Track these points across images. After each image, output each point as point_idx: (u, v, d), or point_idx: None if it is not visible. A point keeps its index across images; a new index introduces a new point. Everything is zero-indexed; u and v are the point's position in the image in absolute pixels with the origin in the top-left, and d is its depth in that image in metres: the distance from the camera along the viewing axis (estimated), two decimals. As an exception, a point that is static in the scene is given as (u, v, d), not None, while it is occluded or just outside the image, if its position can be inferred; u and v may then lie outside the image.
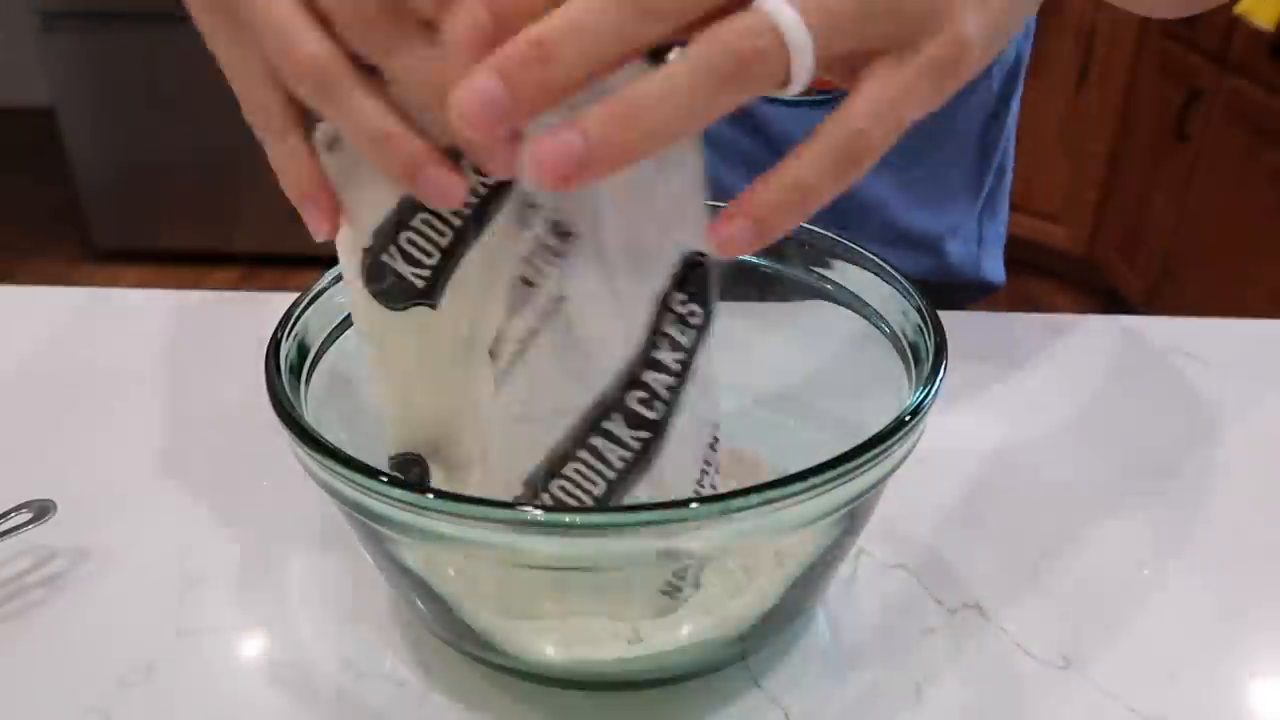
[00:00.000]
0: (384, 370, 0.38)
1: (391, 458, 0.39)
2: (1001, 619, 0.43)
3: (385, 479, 0.32)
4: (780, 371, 0.49)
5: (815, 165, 0.27)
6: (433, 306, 0.35)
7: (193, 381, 0.58)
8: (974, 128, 0.71)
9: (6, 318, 0.66)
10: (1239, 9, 1.70)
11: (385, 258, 0.35)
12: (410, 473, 0.39)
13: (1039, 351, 0.63)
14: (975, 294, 0.76)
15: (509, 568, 0.36)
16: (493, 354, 0.34)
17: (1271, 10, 1.65)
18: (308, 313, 0.41)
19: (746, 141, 0.66)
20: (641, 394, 0.32)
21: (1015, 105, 0.73)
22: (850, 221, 0.68)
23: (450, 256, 0.35)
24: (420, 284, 0.35)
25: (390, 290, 0.35)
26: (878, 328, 0.43)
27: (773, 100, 0.64)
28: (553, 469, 0.33)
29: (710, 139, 0.66)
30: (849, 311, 0.45)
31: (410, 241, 0.34)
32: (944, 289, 0.74)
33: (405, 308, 0.35)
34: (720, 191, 0.63)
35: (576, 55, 0.25)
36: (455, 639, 0.39)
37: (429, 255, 0.35)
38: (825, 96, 0.65)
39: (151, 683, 0.40)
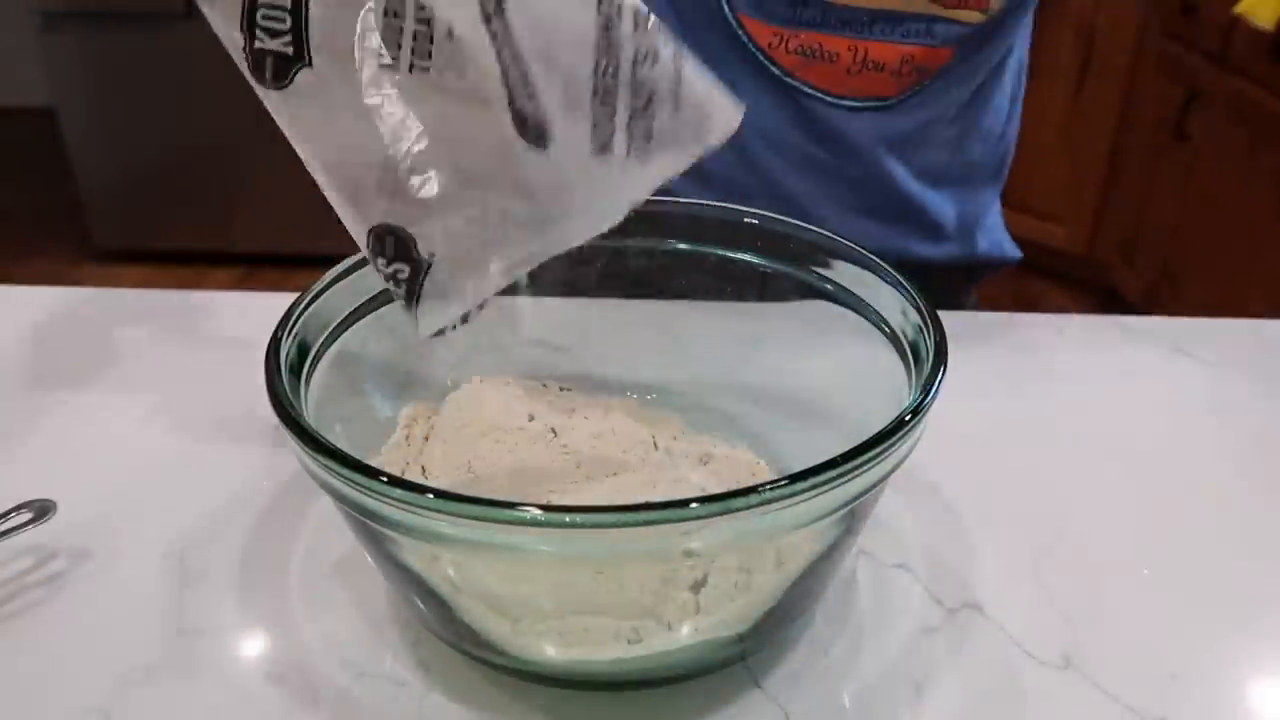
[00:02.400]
0: (317, 152, 0.38)
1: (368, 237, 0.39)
2: (1001, 619, 0.43)
3: (385, 479, 0.32)
4: (780, 372, 0.49)
5: None
6: (310, 65, 0.37)
7: (193, 381, 0.58)
8: (997, 124, 0.73)
9: (7, 317, 0.66)
10: (1239, 9, 1.69)
11: (258, 44, 0.36)
12: (386, 244, 0.39)
13: (1039, 351, 0.63)
14: (998, 268, 0.80)
15: (508, 567, 0.36)
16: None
17: (1271, 10, 1.65)
18: (308, 312, 0.41)
19: (812, 146, 0.68)
20: None
21: (1021, 100, 0.76)
22: (900, 219, 0.71)
23: (297, 14, 0.36)
24: (290, 50, 0.36)
25: (276, 71, 0.37)
26: (878, 327, 0.43)
27: (837, 105, 0.65)
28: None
29: (775, 142, 0.68)
30: (849, 311, 0.45)
31: (266, 17, 0.36)
32: (975, 268, 0.78)
33: (292, 80, 0.37)
34: (785, 195, 0.64)
35: None
36: (454, 639, 0.39)
37: (282, 21, 0.36)
38: (888, 102, 0.66)
39: (151, 683, 0.40)
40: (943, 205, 0.73)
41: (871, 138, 0.67)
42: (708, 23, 0.63)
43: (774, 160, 0.66)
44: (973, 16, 0.63)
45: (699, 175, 0.59)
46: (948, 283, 0.76)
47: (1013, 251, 0.79)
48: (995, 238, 0.78)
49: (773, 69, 0.63)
